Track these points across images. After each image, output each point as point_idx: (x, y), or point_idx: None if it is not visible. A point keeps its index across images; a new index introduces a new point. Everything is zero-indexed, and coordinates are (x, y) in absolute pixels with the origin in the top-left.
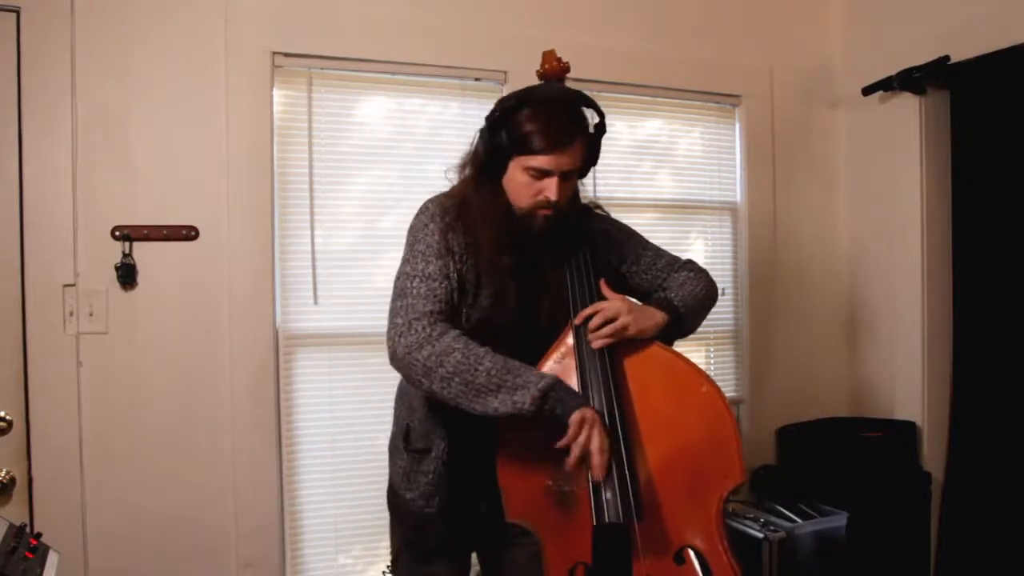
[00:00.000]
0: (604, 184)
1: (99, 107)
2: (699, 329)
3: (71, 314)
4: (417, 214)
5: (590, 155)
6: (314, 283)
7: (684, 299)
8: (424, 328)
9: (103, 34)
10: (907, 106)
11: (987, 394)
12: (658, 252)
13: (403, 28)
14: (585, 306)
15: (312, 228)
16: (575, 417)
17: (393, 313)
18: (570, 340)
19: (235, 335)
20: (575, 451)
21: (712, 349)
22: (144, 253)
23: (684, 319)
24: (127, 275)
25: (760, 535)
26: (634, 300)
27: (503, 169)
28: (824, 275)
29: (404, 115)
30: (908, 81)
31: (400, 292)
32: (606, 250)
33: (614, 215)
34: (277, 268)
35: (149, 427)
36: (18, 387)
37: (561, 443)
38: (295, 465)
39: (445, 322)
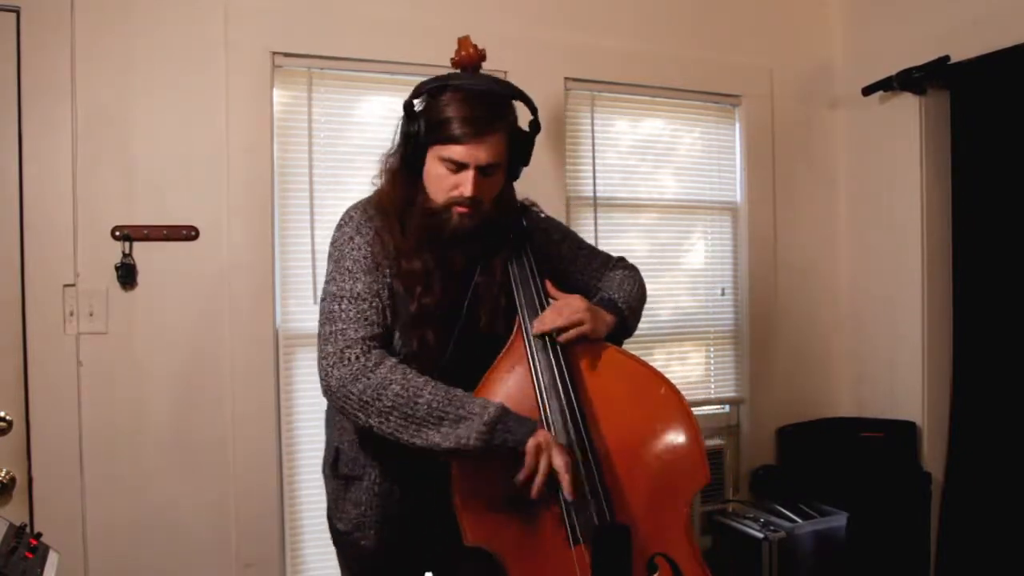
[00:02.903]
0: (604, 184)
1: (99, 107)
2: (699, 329)
3: (71, 314)
4: (339, 225)
5: (518, 153)
6: (314, 283)
7: (625, 299)
8: (357, 358)
9: (103, 34)
10: (907, 106)
11: (987, 394)
12: (593, 250)
13: (403, 28)
14: (534, 309)
15: (312, 228)
16: (530, 445)
17: (322, 340)
18: (521, 346)
19: (235, 335)
20: (539, 479)
21: (712, 349)
22: (144, 253)
23: (628, 320)
24: (127, 275)
25: (760, 535)
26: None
27: (421, 161)
28: (824, 274)
29: None
30: (908, 81)
31: (328, 317)
32: (544, 249)
33: (616, 215)
34: (277, 268)
35: (149, 427)
36: (18, 387)
37: (521, 476)
38: (295, 465)
39: (380, 348)
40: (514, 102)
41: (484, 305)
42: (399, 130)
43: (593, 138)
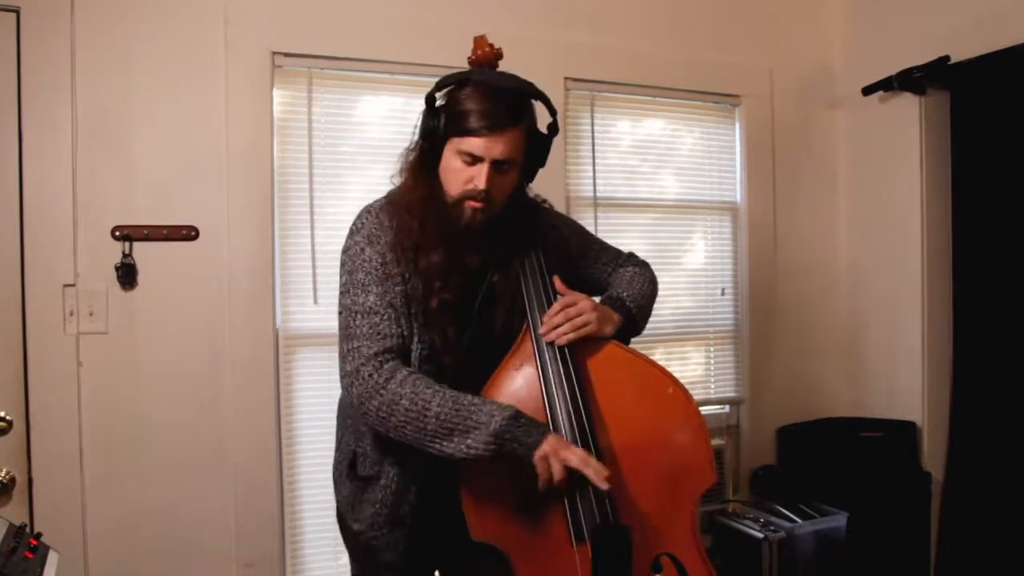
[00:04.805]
0: (605, 184)
1: (99, 107)
2: (699, 329)
3: (71, 314)
4: (351, 232)
5: (535, 153)
6: (314, 283)
7: (634, 297)
8: (371, 375)
9: (103, 34)
10: (907, 106)
11: (987, 394)
12: (603, 246)
13: (403, 28)
14: (543, 307)
15: (312, 228)
16: (538, 457)
17: (342, 357)
18: (529, 345)
19: (235, 335)
20: (557, 482)
21: (712, 349)
22: (144, 253)
23: (637, 318)
24: (127, 275)
25: (760, 535)
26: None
27: (440, 155)
28: (824, 275)
29: (404, 115)
30: (908, 81)
31: (345, 333)
32: (556, 247)
33: (616, 215)
34: (277, 268)
35: (149, 427)
36: (18, 387)
37: (540, 486)
38: (295, 465)
39: (394, 360)
40: (534, 105)
41: (501, 305)
42: (419, 124)
43: (593, 138)
